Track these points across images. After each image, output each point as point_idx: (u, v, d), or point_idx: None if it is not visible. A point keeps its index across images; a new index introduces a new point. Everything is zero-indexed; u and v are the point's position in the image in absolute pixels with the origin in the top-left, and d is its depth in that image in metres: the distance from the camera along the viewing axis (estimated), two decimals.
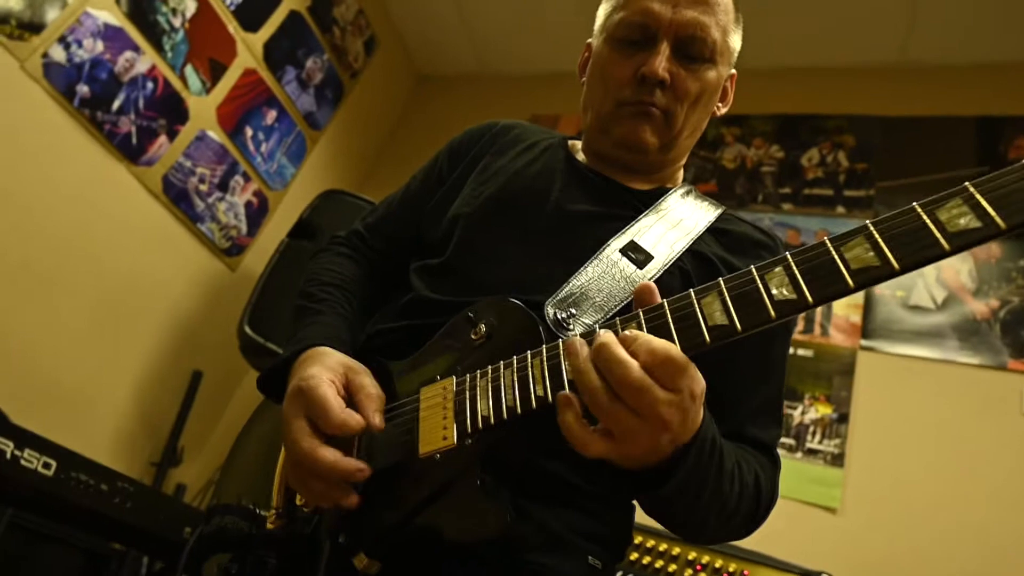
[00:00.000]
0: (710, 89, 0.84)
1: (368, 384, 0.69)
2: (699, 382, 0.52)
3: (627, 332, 0.52)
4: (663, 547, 1.57)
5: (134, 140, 2.19)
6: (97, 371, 2.17)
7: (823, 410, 1.99)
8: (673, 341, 0.51)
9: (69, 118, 2.01)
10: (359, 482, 0.64)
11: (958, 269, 2.09)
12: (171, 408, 2.40)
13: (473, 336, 0.67)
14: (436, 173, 0.98)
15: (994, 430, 1.83)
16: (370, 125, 3.25)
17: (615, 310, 0.70)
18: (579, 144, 0.95)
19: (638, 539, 1.56)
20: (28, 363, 1.95)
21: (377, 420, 0.66)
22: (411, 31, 3.26)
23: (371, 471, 0.64)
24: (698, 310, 0.51)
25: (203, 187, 2.43)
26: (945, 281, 2.09)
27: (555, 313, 0.68)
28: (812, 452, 1.94)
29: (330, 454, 0.63)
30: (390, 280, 0.94)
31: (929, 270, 2.11)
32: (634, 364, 0.49)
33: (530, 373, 0.57)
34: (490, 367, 0.62)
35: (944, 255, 0.43)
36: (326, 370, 0.69)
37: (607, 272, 0.73)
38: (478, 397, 0.61)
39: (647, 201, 0.83)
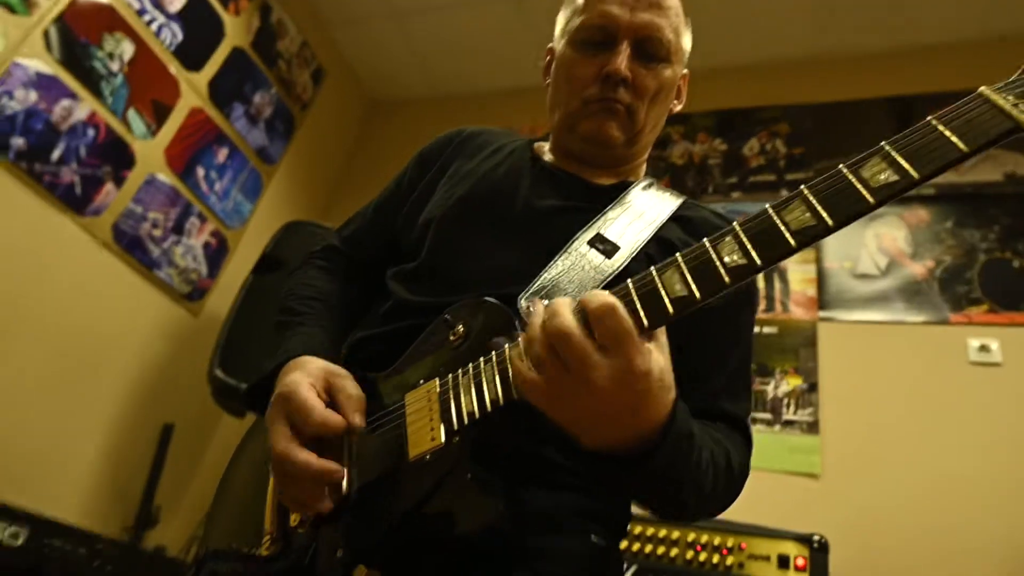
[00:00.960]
0: (667, 87, 0.90)
1: (348, 386, 0.71)
2: (647, 361, 0.51)
3: (589, 293, 0.54)
4: (662, 533, 1.60)
5: (78, 190, 2.12)
6: (58, 435, 2.06)
7: (794, 382, 2.10)
8: (639, 317, 0.53)
9: (5, 173, 1.93)
10: (338, 485, 0.65)
11: (895, 236, 2.26)
12: (142, 466, 2.29)
13: (452, 337, 0.68)
14: (407, 182, 1.00)
15: (947, 380, 1.96)
16: (325, 154, 3.25)
17: None
18: (545, 146, 0.99)
19: (636, 528, 1.59)
20: None
21: (358, 420, 0.68)
22: (358, 59, 3.29)
23: (345, 472, 0.65)
24: (660, 285, 0.53)
25: (157, 232, 2.36)
26: (886, 248, 2.25)
27: (528, 306, 0.70)
28: (789, 423, 2.04)
29: (304, 454, 0.64)
30: (368, 289, 0.96)
31: (870, 239, 2.27)
32: (568, 315, 0.52)
33: (509, 364, 0.59)
34: (471, 364, 0.63)
35: (871, 208, 0.48)
36: (306, 375, 0.71)
37: (576, 264, 0.76)
38: (461, 394, 0.62)
39: (612, 195, 0.87)
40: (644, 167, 1.00)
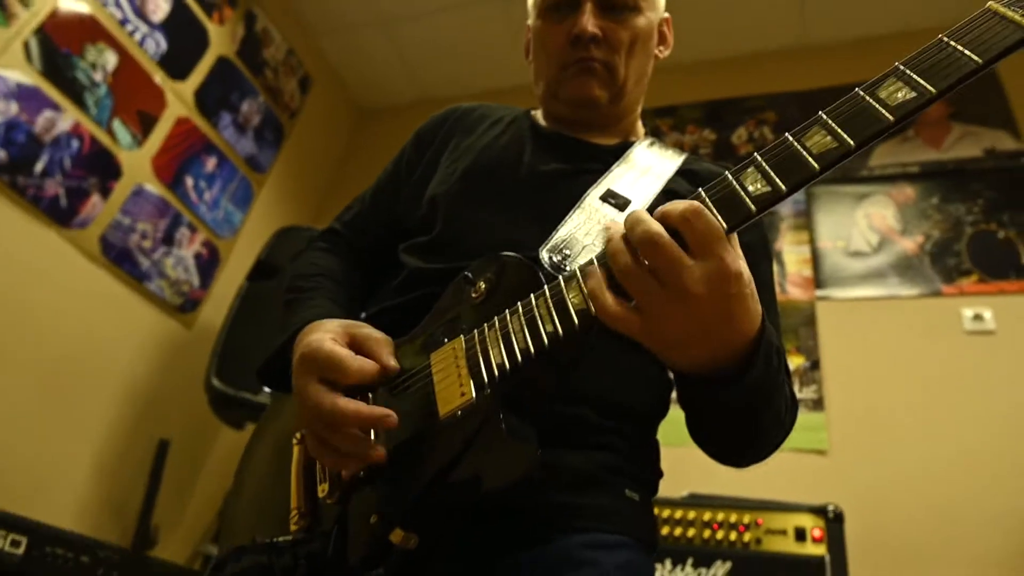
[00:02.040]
0: (643, 35, 0.89)
1: (373, 332, 0.69)
2: (736, 259, 0.50)
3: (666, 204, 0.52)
4: (678, 514, 1.60)
5: (63, 202, 2.07)
6: (50, 453, 1.99)
7: (796, 361, 2.12)
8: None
9: None
10: (390, 427, 0.62)
11: (884, 214, 2.31)
12: (138, 484, 2.22)
13: (474, 295, 0.67)
14: (405, 163, 1.00)
15: (944, 350, 2.00)
16: (315, 162, 3.23)
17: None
18: (541, 113, 0.99)
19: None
20: None
21: (392, 362, 0.66)
22: (345, 66, 3.30)
23: (396, 418, 0.62)
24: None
25: (146, 243, 2.32)
26: (876, 226, 2.30)
27: (550, 257, 0.70)
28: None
29: (353, 403, 0.62)
30: (374, 270, 0.95)
31: (860, 217, 2.32)
32: (654, 221, 0.50)
33: (536, 313, 0.58)
34: (496, 318, 0.62)
35: (891, 125, 0.47)
36: (327, 332, 0.69)
37: (591, 218, 0.75)
38: (489, 348, 0.61)
39: (616, 153, 0.87)
40: (641, 124, 1.00)
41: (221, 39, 2.66)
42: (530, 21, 0.97)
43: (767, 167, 0.50)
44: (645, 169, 0.84)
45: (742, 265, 0.50)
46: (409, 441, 0.64)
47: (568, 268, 0.68)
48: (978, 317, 2.02)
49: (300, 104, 3.11)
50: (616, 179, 0.81)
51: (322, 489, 0.68)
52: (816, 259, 2.29)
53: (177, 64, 2.47)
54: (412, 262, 0.84)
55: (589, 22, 0.85)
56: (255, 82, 2.82)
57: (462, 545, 0.63)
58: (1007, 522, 1.70)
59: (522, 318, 0.59)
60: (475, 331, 0.63)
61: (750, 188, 0.50)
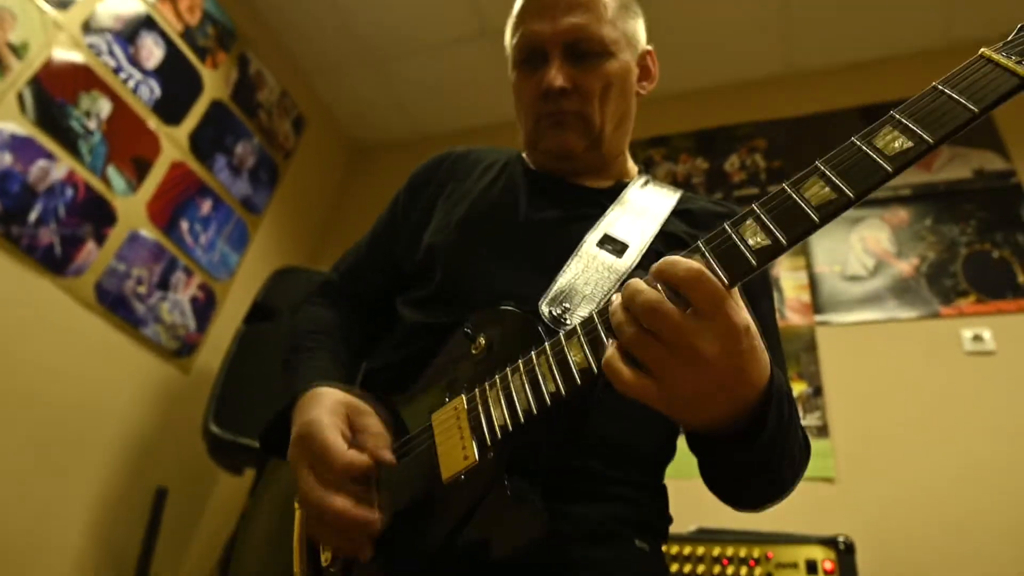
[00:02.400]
0: (617, 79, 0.88)
1: (371, 422, 0.68)
2: (742, 315, 0.49)
3: (665, 259, 0.52)
4: (687, 550, 1.58)
5: (58, 250, 2.06)
6: (46, 509, 1.95)
7: (799, 387, 2.11)
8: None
9: None
10: (372, 533, 0.61)
11: (879, 237, 2.32)
12: (135, 533, 2.17)
13: (474, 351, 0.66)
14: (401, 209, 1.00)
15: (945, 372, 1.99)
16: (311, 201, 3.24)
17: (606, 298, 0.72)
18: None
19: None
20: None
21: (386, 456, 0.64)
22: (338, 105, 3.33)
23: (383, 522, 0.62)
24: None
25: (141, 289, 2.30)
26: (871, 250, 2.32)
27: (550, 311, 0.69)
28: None
29: (339, 502, 0.61)
30: (373, 321, 0.94)
31: (855, 241, 2.33)
32: (650, 290, 0.49)
33: (538, 372, 0.57)
34: (497, 376, 0.61)
35: (890, 176, 0.47)
36: (326, 412, 0.67)
37: (589, 265, 0.75)
38: (491, 407, 0.60)
39: (610, 197, 0.87)
40: (632, 164, 0.99)
41: (215, 83, 2.69)
42: (508, 72, 0.97)
43: (767, 219, 0.50)
44: (641, 210, 0.84)
45: (747, 317, 0.50)
46: (413, 507, 0.63)
47: (568, 321, 0.68)
48: (978, 338, 2.02)
49: (294, 144, 3.13)
50: (612, 223, 0.81)
51: (325, 558, 0.67)
52: (813, 284, 2.29)
53: (171, 109, 2.48)
54: (412, 315, 0.83)
55: (557, 77, 0.84)
56: (249, 124, 2.84)
57: None
58: (1016, 537, 1.69)
59: (523, 376, 0.58)
60: (476, 389, 0.63)
61: (750, 241, 0.50)
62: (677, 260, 0.50)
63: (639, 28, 0.95)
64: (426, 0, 2.71)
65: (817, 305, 2.25)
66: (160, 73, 2.44)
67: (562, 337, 0.57)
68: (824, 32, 2.66)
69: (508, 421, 0.58)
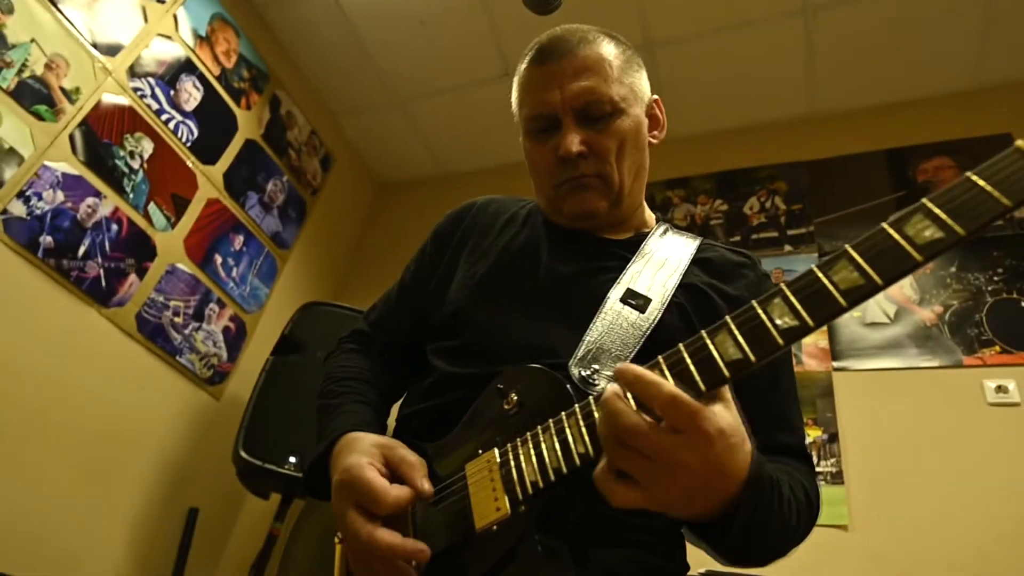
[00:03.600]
0: (630, 135, 0.90)
1: (407, 455, 0.71)
2: (715, 422, 0.52)
3: (635, 373, 0.54)
4: None
5: (103, 283, 2.18)
6: (86, 524, 2.06)
7: (814, 433, 2.10)
8: (695, 382, 0.54)
9: (35, 270, 1.99)
10: (422, 562, 0.65)
11: (901, 284, 2.30)
12: (169, 551, 2.28)
13: (506, 406, 0.69)
14: (428, 261, 1.02)
15: (966, 423, 1.96)
16: (337, 237, 3.33)
17: (632, 357, 0.74)
18: None
19: None
20: (12, 527, 1.85)
21: (426, 486, 0.68)
22: (365, 144, 3.42)
23: (430, 551, 0.65)
24: (713, 349, 0.54)
25: (178, 320, 2.42)
26: (892, 296, 2.29)
27: (579, 372, 0.72)
28: None
29: (390, 536, 0.65)
30: (404, 369, 0.97)
31: None
32: (627, 412, 0.52)
33: (568, 433, 0.60)
34: (529, 434, 0.64)
35: (918, 265, 0.48)
36: (363, 455, 0.71)
37: (615, 323, 0.77)
38: (523, 464, 0.63)
39: (630, 249, 0.89)
40: (648, 213, 1.01)
41: (248, 123, 2.81)
42: (520, 138, 0.97)
43: (795, 300, 0.52)
44: (661, 261, 0.87)
45: (722, 422, 0.53)
46: (447, 551, 0.66)
47: (597, 382, 0.71)
48: (1001, 389, 1.98)
49: (322, 182, 3.23)
50: (634, 277, 0.83)
51: None
52: (832, 330, 2.27)
53: (208, 148, 2.60)
54: (442, 366, 0.86)
55: (573, 142, 0.85)
56: (280, 163, 2.95)
57: None
58: None
59: (554, 437, 0.61)
60: (508, 445, 0.66)
61: (778, 321, 0.52)
62: (650, 382, 0.52)
63: (644, 80, 0.96)
64: (451, 43, 2.79)
65: (835, 351, 2.23)
66: (198, 114, 2.57)
67: (592, 401, 0.60)
68: (850, 74, 2.64)
69: (539, 479, 0.61)
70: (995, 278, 2.19)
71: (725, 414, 0.54)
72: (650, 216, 1.01)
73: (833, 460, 2.04)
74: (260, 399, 2.27)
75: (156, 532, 2.26)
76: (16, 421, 1.91)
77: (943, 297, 2.22)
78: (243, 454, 2.16)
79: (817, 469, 2.03)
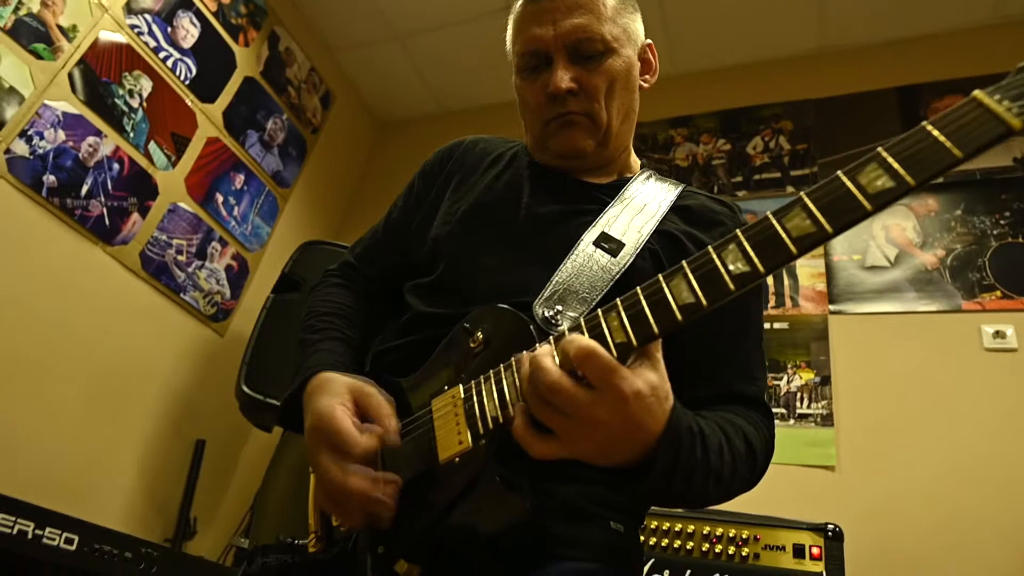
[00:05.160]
0: (620, 76, 0.89)
1: (376, 400, 0.73)
2: (631, 383, 0.54)
3: (568, 335, 0.57)
4: (678, 526, 1.62)
5: (107, 221, 2.22)
6: (98, 454, 2.16)
7: (806, 376, 2.11)
8: (650, 324, 0.55)
9: (40, 208, 2.03)
10: (391, 508, 0.68)
11: (903, 226, 2.25)
12: (178, 481, 2.39)
13: (472, 344, 0.71)
14: (414, 197, 1.03)
15: (962, 368, 1.96)
16: (337, 176, 3.33)
17: (597, 300, 0.75)
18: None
19: (652, 523, 1.61)
20: (27, 455, 1.94)
21: (393, 424, 0.70)
22: (364, 81, 3.38)
23: (395, 507, 0.67)
24: (668, 293, 0.55)
25: (181, 258, 2.47)
26: (894, 239, 2.25)
27: (543, 312, 0.73)
28: (803, 417, 2.05)
29: (361, 482, 0.67)
30: (385, 303, 0.99)
31: (878, 230, 2.27)
32: (551, 370, 0.55)
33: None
34: (491, 371, 0.66)
35: (868, 214, 0.48)
36: (334, 397, 0.73)
37: (585, 265, 0.78)
38: (485, 400, 0.65)
39: (611, 193, 0.89)
40: (634, 158, 1.01)
41: (247, 61, 2.77)
42: (512, 78, 0.97)
43: (748, 247, 0.53)
44: (640, 207, 0.87)
45: (639, 382, 0.55)
46: (413, 481, 0.70)
47: (559, 323, 0.73)
48: (999, 334, 1.97)
49: (322, 120, 3.21)
50: (611, 221, 0.84)
51: (335, 519, 0.76)
52: (830, 273, 2.25)
53: (206, 87, 2.59)
54: (416, 304, 0.88)
55: (563, 78, 0.85)
56: (279, 100, 2.93)
57: (460, 572, 0.69)
58: (1013, 536, 1.68)
59: (515, 374, 0.63)
60: (472, 382, 0.68)
61: (731, 267, 0.53)
62: (572, 339, 0.55)
63: (638, 23, 0.96)
64: None
65: (832, 295, 2.21)
66: (196, 52, 2.54)
67: (551, 340, 0.61)
68: (863, 6, 2.52)
69: (499, 413, 0.63)
70: (1001, 221, 2.14)
71: (647, 373, 0.56)
72: (635, 161, 1.01)
73: (824, 403, 2.05)
74: (261, 336, 2.33)
75: (165, 464, 2.36)
76: (27, 357, 1.99)
77: (946, 240, 2.18)
78: (245, 389, 2.23)
79: (807, 411, 2.06)
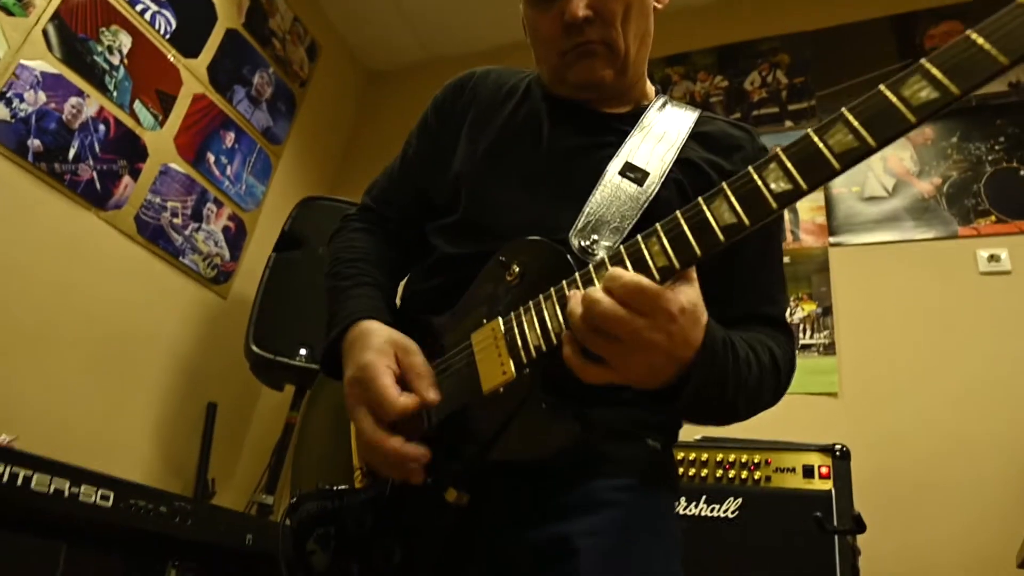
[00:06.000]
0: (636, 0, 0.87)
1: (417, 361, 0.74)
2: (677, 301, 0.56)
3: (608, 271, 0.58)
4: (692, 455, 1.67)
5: (98, 185, 2.17)
6: (110, 422, 2.16)
7: (808, 307, 2.16)
8: (692, 247, 0.56)
9: (27, 175, 1.97)
10: (424, 463, 0.69)
11: (901, 156, 2.28)
12: (193, 443, 2.41)
13: (508, 277, 0.72)
14: (428, 134, 1.01)
15: (958, 293, 2.01)
16: (329, 129, 3.27)
17: (630, 228, 0.76)
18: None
19: None
20: (35, 424, 1.92)
21: (432, 395, 0.71)
22: (351, 31, 3.28)
23: (430, 456, 0.69)
24: (709, 215, 0.56)
25: (177, 220, 2.42)
26: (892, 169, 2.28)
27: (579, 242, 0.74)
28: (806, 347, 2.11)
29: (391, 442, 0.69)
30: (408, 244, 0.98)
31: (876, 162, 2.29)
32: (604, 299, 0.55)
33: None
34: (531, 301, 0.66)
35: (913, 126, 0.48)
36: (379, 355, 0.73)
37: (614, 195, 0.79)
38: (526, 330, 0.66)
39: (629, 122, 0.88)
40: (648, 85, 1.00)
41: (227, 11, 2.67)
42: (520, 5, 0.93)
43: (790, 165, 0.53)
44: (659, 136, 0.86)
45: (683, 298, 0.57)
46: (457, 413, 0.71)
47: (595, 252, 0.74)
48: (994, 258, 2.02)
49: (310, 72, 3.12)
50: (633, 150, 0.84)
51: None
52: (829, 205, 2.28)
53: (188, 41, 2.49)
54: (442, 245, 0.88)
55: (579, 6, 0.83)
56: (264, 53, 2.83)
57: (508, 495, 0.72)
58: (1012, 456, 1.75)
59: (556, 303, 0.64)
60: (511, 313, 0.69)
61: (772, 186, 0.53)
62: (614, 274, 0.56)
63: None
64: None
65: (832, 227, 2.25)
66: (173, 3, 2.44)
67: (592, 268, 0.63)
68: None
69: (542, 342, 0.64)
70: (996, 147, 2.17)
71: (688, 290, 0.58)
72: (650, 88, 0.99)
73: (826, 332, 2.11)
74: (266, 295, 2.32)
75: (178, 427, 2.38)
76: (29, 326, 1.96)
77: (943, 168, 2.21)
78: (255, 348, 2.23)
79: (810, 342, 2.12)
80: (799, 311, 2.17)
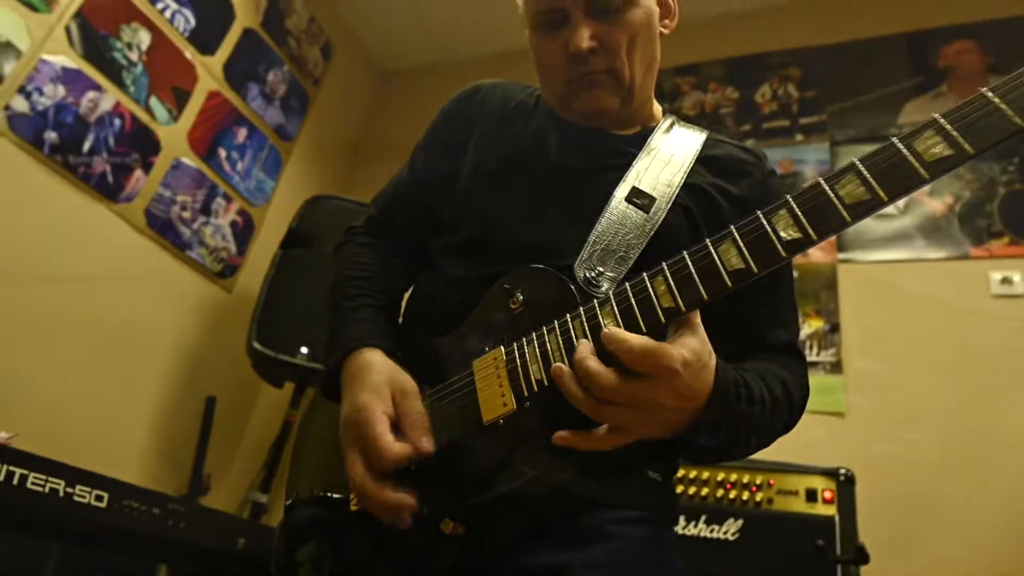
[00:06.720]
0: (641, 28, 0.86)
1: (415, 409, 0.72)
2: (679, 356, 0.55)
3: (606, 331, 0.58)
4: (692, 474, 1.65)
5: (110, 178, 2.19)
6: (110, 413, 2.17)
7: (815, 324, 2.13)
8: (699, 290, 0.55)
9: (42, 166, 2.00)
10: (412, 512, 0.67)
11: None
12: (190, 438, 2.40)
13: (512, 305, 0.71)
14: (436, 146, 1.00)
15: (969, 314, 1.98)
16: (340, 128, 3.28)
17: (635, 258, 0.75)
18: None
19: None
20: (38, 414, 1.93)
21: (426, 445, 0.68)
22: (365, 31, 3.29)
23: (410, 519, 0.67)
24: (717, 258, 0.55)
25: (186, 214, 2.44)
26: None
27: (584, 273, 0.73)
28: (812, 364, 2.08)
29: (379, 491, 0.67)
30: (413, 258, 0.98)
31: None
32: (602, 372, 0.56)
33: (573, 335, 0.62)
34: (534, 333, 0.66)
35: (925, 182, 0.47)
36: (375, 397, 0.72)
37: (620, 223, 0.77)
38: (528, 362, 0.65)
39: (637, 143, 0.87)
40: (655, 106, 0.99)
41: (246, 11, 2.69)
42: (526, 31, 0.92)
43: (800, 213, 0.53)
44: (666, 159, 0.85)
45: (685, 351, 0.56)
46: (456, 442, 0.69)
47: (600, 284, 0.73)
48: (1006, 280, 1.99)
49: (323, 71, 3.14)
50: (640, 175, 0.83)
51: None
52: None
53: (206, 39, 2.52)
54: (446, 264, 0.87)
55: (583, 37, 0.82)
56: (279, 52, 2.85)
57: (506, 524, 0.70)
58: (1022, 475, 1.71)
59: (559, 338, 0.64)
60: (514, 344, 0.68)
61: (782, 233, 0.53)
62: (612, 336, 0.57)
63: None
64: None
65: (841, 243, 2.22)
66: (194, 2, 2.46)
67: (596, 305, 0.63)
68: None
69: (544, 376, 0.63)
70: (1009, 168, 2.14)
71: (690, 340, 0.57)
72: (657, 109, 0.98)
73: (833, 350, 2.08)
74: (271, 292, 2.32)
75: (176, 421, 2.38)
76: (36, 315, 1.98)
77: (955, 187, 2.18)
78: (257, 345, 2.23)
79: (817, 359, 2.08)
80: (806, 327, 2.14)
